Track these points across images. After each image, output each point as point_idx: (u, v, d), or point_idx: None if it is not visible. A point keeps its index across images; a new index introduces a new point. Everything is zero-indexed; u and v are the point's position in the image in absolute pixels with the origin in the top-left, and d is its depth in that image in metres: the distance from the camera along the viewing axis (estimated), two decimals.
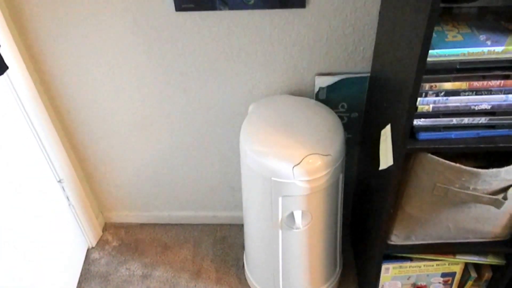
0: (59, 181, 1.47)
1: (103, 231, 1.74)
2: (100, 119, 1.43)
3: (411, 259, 1.25)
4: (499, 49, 0.83)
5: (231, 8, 1.14)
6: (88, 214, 1.63)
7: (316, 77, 1.28)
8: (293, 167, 1.08)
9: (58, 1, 1.17)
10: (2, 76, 1.14)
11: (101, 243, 1.70)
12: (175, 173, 1.58)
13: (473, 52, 0.83)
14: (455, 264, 1.26)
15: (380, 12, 1.14)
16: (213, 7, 1.15)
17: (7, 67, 1.07)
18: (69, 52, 1.28)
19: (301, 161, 1.09)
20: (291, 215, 1.17)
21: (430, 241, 1.16)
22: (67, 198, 1.52)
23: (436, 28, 0.87)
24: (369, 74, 1.26)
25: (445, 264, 1.26)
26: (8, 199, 1.22)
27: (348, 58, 1.24)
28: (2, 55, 1.09)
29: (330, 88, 1.29)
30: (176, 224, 1.74)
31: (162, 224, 1.74)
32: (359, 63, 1.25)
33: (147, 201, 1.69)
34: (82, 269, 1.61)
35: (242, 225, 1.61)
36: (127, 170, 1.58)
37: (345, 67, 1.26)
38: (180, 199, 1.67)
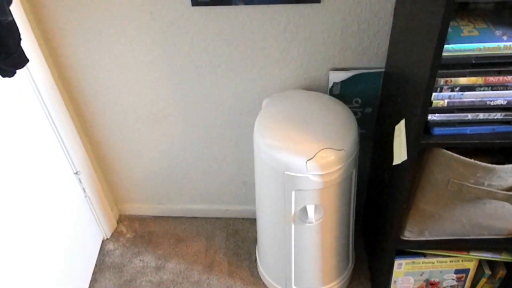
0: (76, 173, 1.50)
1: (117, 223, 1.77)
2: (116, 112, 1.46)
3: (424, 255, 1.25)
4: None
5: (247, 2, 1.15)
6: (103, 206, 1.66)
7: (330, 72, 1.28)
8: (306, 162, 1.09)
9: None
10: (22, 69, 1.17)
11: (116, 234, 1.73)
12: (189, 167, 1.60)
13: (489, 47, 0.83)
14: (469, 261, 1.25)
15: (395, 7, 1.14)
16: (228, 2, 1.16)
17: (27, 60, 1.10)
18: (87, 46, 1.30)
19: (314, 156, 1.10)
20: (304, 209, 1.18)
21: (443, 237, 1.16)
22: (84, 189, 1.55)
23: (451, 23, 0.87)
24: (383, 70, 1.26)
25: (458, 261, 1.25)
26: (26, 191, 1.25)
27: (362, 53, 1.24)
28: (23, 48, 1.11)
29: (344, 83, 1.29)
30: (189, 217, 1.76)
31: (175, 217, 1.77)
32: (374, 58, 1.25)
33: (161, 194, 1.71)
34: (97, 260, 1.64)
35: (255, 219, 1.62)
36: (142, 163, 1.61)
37: (359, 62, 1.26)
38: (193, 193, 1.69)
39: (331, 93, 1.32)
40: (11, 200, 1.18)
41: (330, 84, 1.30)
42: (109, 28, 1.25)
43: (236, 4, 1.16)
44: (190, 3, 1.18)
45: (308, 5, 1.15)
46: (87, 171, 1.55)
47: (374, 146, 1.44)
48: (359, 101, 1.34)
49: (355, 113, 1.36)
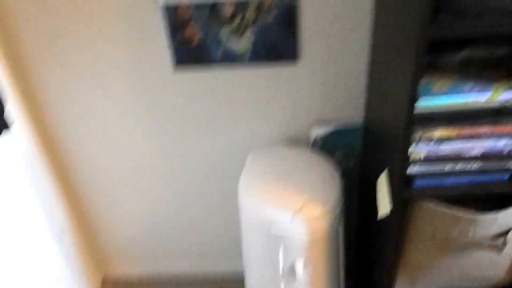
0: (58, 235, 1.47)
1: (101, 286, 1.71)
2: (100, 171, 1.45)
3: None
4: (484, 98, 0.86)
5: (227, 65, 1.20)
6: (86, 268, 1.61)
7: (311, 126, 1.31)
8: (292, 217, 1.09)
9: (61, 59, 1.22)
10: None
11: None
12: (174, 225, 1.58)
13: (459, 102, 0.87)
14: None
15: (369, 65, 1.19)
16: (210, 65, 1.20)
17: (10, 126, 1.11)
18: (72, 106, 1.32)
19: (299, 210, 1.10)
20: (293, 265, 1.16)
21: None
22: (65, 252, 1.51)
23: (422, 80, 0.91)
24: (362, 123, 1.30)
25: None
26: (6, 252, 1.21)
27: (341, 108, 1.28)
28: (7, 111, 1.13)
29: (326, 137, 1.32)
30: (176, 276, 1.71)
31: (160, 280, 1.71)
32: (352, 112, 1.29)
33: (145, 255, 1.67)
34: None
35: (243, 280, 1.58)
36: (126, 223, 1.58)
37: (339, 116, 1.30)
38: (179, 252, 1.66)
39: (313, 147, 1.34)
40: None
41: (312, 139, 1.33)
42: (94, 88, 1.28)
43: (217, 66, 1.20)
44: (173, 66, 1.22)
45: (287, 64, 1.20)
46: (70, 232, 1.51)
47: (360, 198, 1.45)
48: (341, 154, 1.37)
49: (338, 166, 1.38)
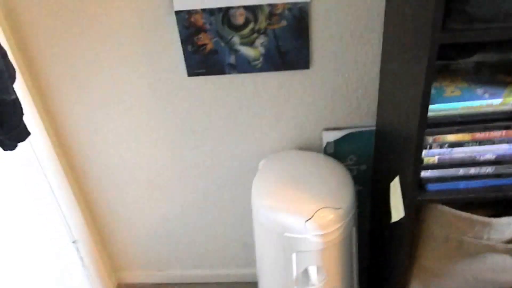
0: (74, 242, 1.49)
1: None
2: (115, 179, 1.47)
3: None
4: (497, 101, 0.87)
5: (240, 71, 1.21)
6: (101, 275, 1.63)
7: (324, 132, 1.32)
8: (305, 222, 1.10)
9: (77, 69, 1.25)
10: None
11: None
12: (188, 231, 1.59)
13: (471, 106, 0.87)
14: None
15: (380, 70, 1.20)
16: (222, 72, 1.22)
17: (29, 133, 1.13)
18: (88, 117, 1.34)
19: (313, 216, 1.10)
20: (306, 271, 1.16)
21: None
22: (81, 259, 1.53)
23: (434, 84, 0.92)
24: (375, 128, 1.30)
25: None
26: (23, 259, 1.24)
27: (353, 113, 1.29)
28: (26, 122, 1.15)
29: (338, 142, 1.33)
30: (190, 283, 1.72)
31: (175, 284, 1.72)
32: (364, 117, 1.29)
33: (160, 260, 1.69)
34: None
35: (256, 283, 1.59)
36: (141, 229, 1.60)
37: (351, 121, 1.30)
38: (193, 257, 1.67)
39: (326, 152, 1.35)
40: (8, 270, 1.16)
41: (324, 143, 1.34)
42: (109, 98, 1.30)
43: (229, 73, 1.22)
44: (186, 73, 1.24)
45: (298, 71, 1.21)
46: (85, 239, 1.54)
47: (372, 202, 1.45)
48: (354, 158, 1.37)
49: (350, 171, 1.38)
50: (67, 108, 1.33)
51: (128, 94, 1.29)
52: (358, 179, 1.41)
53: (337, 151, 1.35)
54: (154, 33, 1.18)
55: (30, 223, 1.27)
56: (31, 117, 1.26)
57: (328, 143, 1.33)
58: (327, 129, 1.32)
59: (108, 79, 1.27)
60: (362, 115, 1.29)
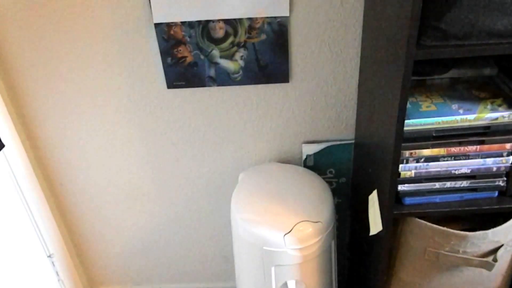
0: (49, 256, 1.45)
1: None
2: (93, 192, 1.45)
3: None
4: (471, 116, 0.88)
5: (219, 84, 1.21)
6: None
7: (303, 145, 1.32)
8: (284, 236, 1.09)
9: (54, 80, 1.23)
10: None
11: None
12: (167, 244, 1.57)
13: (447, 121, 0.88)
14: None
15: (359, 85, 1.21)
16: (202, 84, 1.21)
17: (3, 145, 1.11)
18: (64, 128, 1.32)
19: (291, 229, 1.10)
20: (285, 285, 1.16)
21: None
22: (57, 273, 1.49)
23: (410, 99, 0.93)
24: (353, 141, 1.31)
25: None
26: None
27: (332, 126, 1.29)
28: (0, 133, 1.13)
29: (317, 155, 1.33)
30: None
31: None
32: (344, 130, 1.30)
33: (138, 274, 1.66)
34: None
35: None
36: (118, 243, 1.57)
37: (330, 134, 1.31)
38: (172, 271, 1.64)
39: (305, 164, 1.35)
40: None
41: (304, 156, 1.34)
42: (86, 110, 1.28)
43: (209, 85, 1.22)
44: (165, 85, 1.23)
45: (278, 84, 1.22)
46: (61, 253, 1.50)
47: (352, 215, 1.45)
48: (333, 171, 1.37)
49: (330, 184, 1.39)
50: (43, 120, 1.30)
51: (106, 106, 1.27)
52: (337, 192, 1.41)
53: (316, 164, 1.35)
54: (133, 45, 1.17)
55: (3, 236, 1.23)
56: (5, 128, 1.23)
57: (307, 156, 1.34)
58: (307, 142, 1.33)
59: (85, 91, 1.25)
60: (341, 128, 1.30)
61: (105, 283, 1.69)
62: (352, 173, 1.37)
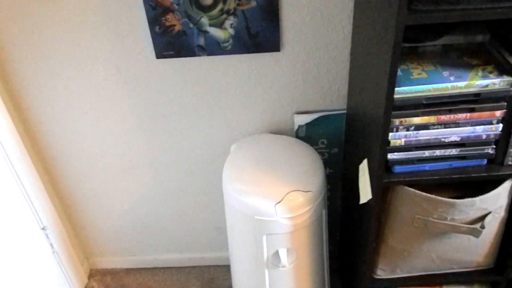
0: (43, 228, 1.46)
1: (88, 278, 1.71)
2: (85, 164, 1.44)
3: None
4: (462, 84, 0.87)
5: (209, 53, 1.19)
6: (72, 261, 1.60)
7: (295, 115, 1.32)
8: (275, 205, 1.10)
9: (41, 51, 1.21)
10: None
11: None
12: (160, 216, 1.58)
13: (437, 88, 0.87)
14: None
15: (351, 53, 1.19)
16: (191, 54, 1.19)
17: None
18: (53, 101, 1.30)
19: (282, 199, 1.11)
20: (276, 253, 1.17)
21: (415, 273, 1.17)
22: (51, 245, 1.50)
23: (402, 67, 0.92)
24: (345, 111, 1.31)
25: None
26: None
27: (324, 96, 1.28)
28: None
29: (309, 125, 1.33)
30: (163, 268, 1.72)
31: (148, 268, 1.72)
32: (335, 100, 1.29)
33: (133, 245, 1.67)
34: None
35: (229, 266, 1.59)
36: (112, 215, 1.58)
37: (322, 105, 1.30)
38: (166, 242, 1.66)
39: (297, 135, 1.35)
40: None
41: (296, 127, 1.33)
42: (75, 82, 1.26)
43: (199, 55, 1.20)
44: (154, 55, 1.21)
45: (269, 54, 1.20)
46: (55, 226, 1.51)
47: (343, 185, 1.46)
48: (325, 142, 1.37)
49: (322, 154, 1.39)
50: (32, 94, 1.29)
51: (95, 78, 1.25)
52: (329, 162, 1.42)
53: (308, 135, 1.35)
54: (119, 14, 1.14)
55: None
56: None
57: (299, 126, 1.33)
58: (299, 113, 1.32)
59: (72, 62, 1.23)
60: (333, 98, 1.29)
61: (100, 254, 1.71)
62: (344, 143, 1.37)
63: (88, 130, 1.36)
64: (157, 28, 1.15)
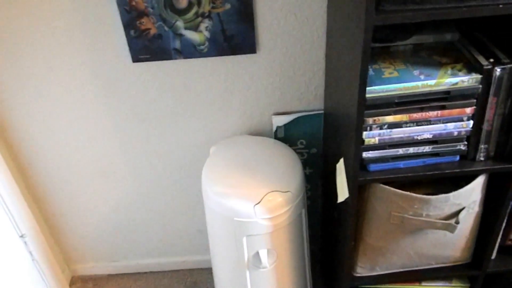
0: (21, 236, 1.44)
1: (70, 285, 1.69)
2: (62, 170, 1.43)
3: None
4: (432, 82, 0.89)
5: (185, 56, 1.19)
6: (53, 268, 1.58)
7: (273, 116, 1.32)
8: (254, 206, 1.10)
9: (14, 55, 1.19)
10: None
11: None
12: (141, 220, 1.57)
13: (408, 87, 0.89)
14: None
15: (326, 54, 1.21)
16: (168, 57, 1.19)
17: None
18: (29, 106, 1.29)
19: (261, 200, 1.11)
20: (257, 254, 1.17)
21: (394, 270, 1.18)
22: (30, 253, 1.48)
23: (374, 66, 0.94)
24: (323, 111, 1.32)
25: None
26: None
27: (301, 97, 1.30)
28: None
29: (288, 126, 1.34)
30: (145, 273, 1.70)
31: (130, 274, 1.70)
32: (313, 101, 1.30)
33: (114, 251, 1.66)
34: None
35: (211, 270, 1.59)
36: (92, 220, 1.56)
37: (299, 105, 1.31)
38: (148, 246, 1.65)
39: (276, 136, 1.36)
40: None
41: (274, 128, 1.34)
42: (51, 87, 1.25)
43: (175, 58, 1.20)
44: (131, 59, 1.20)
45: (245, 56, 1.20)
46: (34, 233, 1.49)
47: (323, 185, 1.47)
48: (304, 142, 1.38)
49: (301, 154, 1.40)
50: (7, 99, 1.27)
51: (71, 82, 1.24)
52: (309, 162, 1.43)
53: (287, 135, 1.36)
54: (94, 17, 1.14)
55: None
56: None
57: (278, 127, 1.34)
58: (277, 114, 1.33)
59: (47, 67, 1.21)
60: (311, 98, 1.30)
61: (81, 260, 1.69)
62: (323, 143, 1.38)
63: (65, 135, 1.35)
64: (132, 32, 1.15)
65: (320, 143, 1.39)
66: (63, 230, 1.59)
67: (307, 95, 1.29)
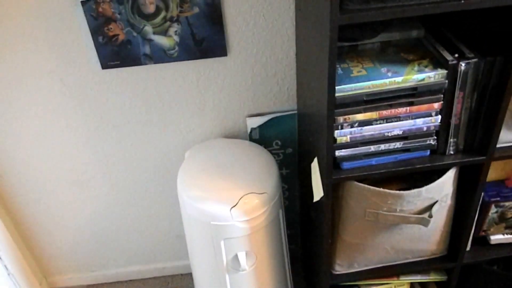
0: None
1: None
2: (35, 181, 1.40)
3: (358, 286, 1.27)
4: (399, 79, 0.90)
5: (156, 61, 1.18)
6: (30, 282, 1.55)
7: (247, 118, 1.32)
8: (230, 209, 1.10)
9: None
10: None
11: None
12: (118, 228, 1.55)
13: (376, 84, 0.90)
14: (401, 286, 1.29)
15: (296, 54, 1.21)
16: (138, 62, 1.18)
17: None
18: None
19: (237, 202, 1.11)
20: (236, 257, 1.17)
21: (372, 266, 1.19)
22: (5, 267, 1.45)
23: (342, 65, 0.94)
24: (296, 111, 1.32)
25: (391, 287, 1.28)
26: None
27: (274, 98, 1.30)
28: None
29: (262, 127, 1.34)
30: (126, 281, 1.68)
31: (110, 283, 1.68)
32: (286, 101, 1.31)
33: (92, 261, 1.63)
34: None
35: (191, 275, 1.58)
36: (68, 230, 1.53)
37: (273, 106, 1.32)
38: (126, 254, 1.63)
39: (251, 138, 1.36)
40: None
41: (249, 130, 1.34)
42: (19, 97, 1.23)
43: (146, 63, 1.18)
44: (100, 66, 1.19)
45: (216, 58, 1.20)
46: (8, 246, 1.45)
47: (300, 184, 1.48)
48: (279, 143, 1.39)
49: (277, 155, 1.40)
50: None
51: (39, 91, 1.22)
52: (285, 163, 1.43)
53: (262, 137, 1.36)
54: (61, 25, 1.12)
55: None
56: None
57: (252, 129, 1.34)
58: (251, 116, 1.33)
59: (15, 76, 1.19)
60: (284, 99, 1.30)
61: (59, 272, 1.66)
62: (298, 143, 1.39)
63: (35, 144, 1.32)
64: (100, 39, 1.14)
65: (295, 143, 1.39)
66: (39, 242, 1.56)
67: (280, 95, 1.29)
